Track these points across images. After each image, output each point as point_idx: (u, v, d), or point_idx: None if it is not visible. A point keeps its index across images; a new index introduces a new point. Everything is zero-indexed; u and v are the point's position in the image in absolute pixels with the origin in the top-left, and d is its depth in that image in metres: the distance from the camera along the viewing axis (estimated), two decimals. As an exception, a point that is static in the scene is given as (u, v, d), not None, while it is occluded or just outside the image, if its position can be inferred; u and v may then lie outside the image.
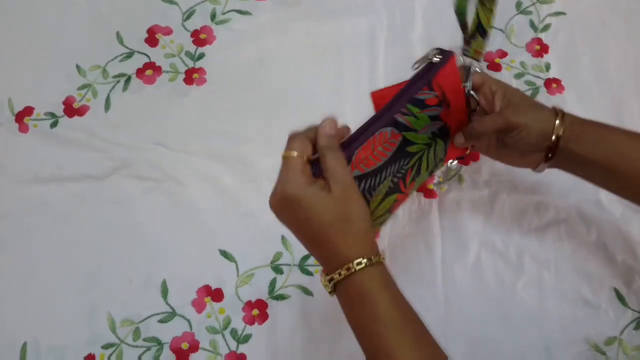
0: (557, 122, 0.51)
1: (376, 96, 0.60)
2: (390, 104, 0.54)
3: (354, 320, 0.46)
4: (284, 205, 0.46)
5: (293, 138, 0.48)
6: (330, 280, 0.46)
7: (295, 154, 0.46)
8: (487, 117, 0.53)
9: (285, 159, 0.47)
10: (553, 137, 0.51)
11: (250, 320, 0.63)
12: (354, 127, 0.58)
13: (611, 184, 0.54)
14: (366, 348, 0.45)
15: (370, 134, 0.52)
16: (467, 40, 0.65)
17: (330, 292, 0.47)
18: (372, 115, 0.54)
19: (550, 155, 0.53)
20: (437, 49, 0.55)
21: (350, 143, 0.51)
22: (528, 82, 0.73)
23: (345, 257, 0.45)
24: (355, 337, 0.46)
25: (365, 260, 0.45)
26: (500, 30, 0.76)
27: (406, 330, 0.44)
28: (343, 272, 0.45)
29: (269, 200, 0.48)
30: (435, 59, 0.54)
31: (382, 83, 0.73)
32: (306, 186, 0.45)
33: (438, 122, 0.55)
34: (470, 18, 0.59)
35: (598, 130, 0.53)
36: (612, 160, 0.51)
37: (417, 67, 0.55)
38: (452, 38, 0.73)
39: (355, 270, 0.44)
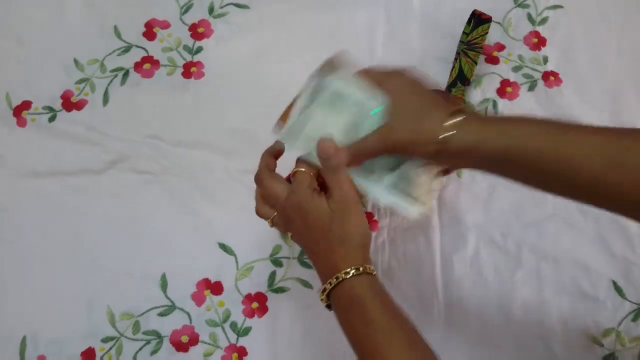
0: (447, 123, 0.45)
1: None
2: None
3: (347, 328, 0.47)
4: (290, 213, 0.49)
5: (300, 159, 0.52)
6: (323, 291, 0.48)
7: (303, 169, 0.50)
8: (368, 137, 0.48)
9: (294, 174, 0.51)
10: (434, 145, 0.45)
11: (250, 313, 0.63)
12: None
13: (521, 178, 0.46)
14: (358, 353, 0.46)
15: None
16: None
17: (326, 306, 0.49)
18: None
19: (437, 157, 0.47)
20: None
21: None
22: (526, 75, 0.73)
23: (337, 267, 0.47)
24: (349, 343, 0.47)
25: (353, 270, 0.46)
26: (498, 23, 0.76)
27: (398, 334, 0.45)
28: (333, 281, 0.47)
29: (272, 207, 0.51)
30: None
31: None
32: (312, 197, 0.48)
33: None
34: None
35: (502, 122, 0.46)
36: (515, 150, 0.44)
37: None
38: (449, 31, 0.73)
39: (343, 278, 0.46)
